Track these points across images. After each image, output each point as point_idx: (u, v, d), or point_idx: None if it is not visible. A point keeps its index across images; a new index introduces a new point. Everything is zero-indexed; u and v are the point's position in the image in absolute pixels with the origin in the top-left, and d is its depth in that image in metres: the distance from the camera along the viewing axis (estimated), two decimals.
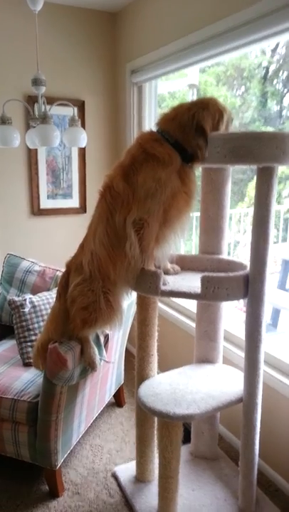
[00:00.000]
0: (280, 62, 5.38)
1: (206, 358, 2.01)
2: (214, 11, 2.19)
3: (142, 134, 1.66)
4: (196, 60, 2.48)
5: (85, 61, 3.09)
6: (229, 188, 1.87)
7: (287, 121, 4.52)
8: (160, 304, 2.82)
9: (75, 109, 3.05)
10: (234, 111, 4.71)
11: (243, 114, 5.25)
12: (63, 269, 2.63)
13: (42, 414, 1.82)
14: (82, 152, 3.16)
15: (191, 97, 3.29)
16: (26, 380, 1.99)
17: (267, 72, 5.52)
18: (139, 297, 1.82)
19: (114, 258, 1.64)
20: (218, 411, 1.67)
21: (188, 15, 2.38)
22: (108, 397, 2.39)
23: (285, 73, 5.05)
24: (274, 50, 4.69)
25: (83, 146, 2.26)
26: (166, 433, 1.65)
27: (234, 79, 5.51)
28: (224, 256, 1.90)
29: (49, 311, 2.21)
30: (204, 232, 1.92)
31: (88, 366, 1.84)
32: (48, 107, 2.14)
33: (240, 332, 2.27)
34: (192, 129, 1.54)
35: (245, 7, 1.99)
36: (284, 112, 4.82)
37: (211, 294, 1.56)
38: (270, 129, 4.64)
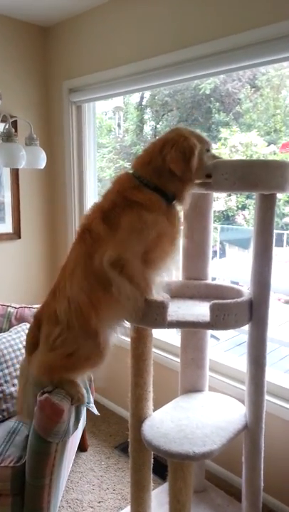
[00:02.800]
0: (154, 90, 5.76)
1: (192, 387, 1.94)
2: (165, 41, 2.20)
3: (119, 178, 1.55)
4: (145, 87, 2.48)
5: (16, 75, 2.85)
6: (212, 212, 1.88)
7: None
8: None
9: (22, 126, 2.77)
10: (113, 134, 4.82)
11: (122, 138, 5.36)
12: (14, 304, 2.35)
13: (32, 479, 1.55)
14: (15, 172, 2.88)
15: (117, 120, 3.25)
16: (1, 440, 1.68)
17: (142, 99, 5.82)
18: (136, 331, 1.68)
19: (96, 303, 1.50)
20: (230, 442, 1.62)
21: (137, 41, 2.36)
22: (77, 442, 2.15)
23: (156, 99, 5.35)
24: None
25: (42, 167, 2.06)
26: (181, 475, 1.54)
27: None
28: (210, 281, 1.89)
29: (13, 354, 1.95)
30: (189, 258, 1.88)
31: (76, 402, 1.63)
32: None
33: (213, 356, 2.27)
34: (167, 173, 1.47)
35: (200, 42, 2.06)
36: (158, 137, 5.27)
37: (221, 321, 1.52)
38: None
